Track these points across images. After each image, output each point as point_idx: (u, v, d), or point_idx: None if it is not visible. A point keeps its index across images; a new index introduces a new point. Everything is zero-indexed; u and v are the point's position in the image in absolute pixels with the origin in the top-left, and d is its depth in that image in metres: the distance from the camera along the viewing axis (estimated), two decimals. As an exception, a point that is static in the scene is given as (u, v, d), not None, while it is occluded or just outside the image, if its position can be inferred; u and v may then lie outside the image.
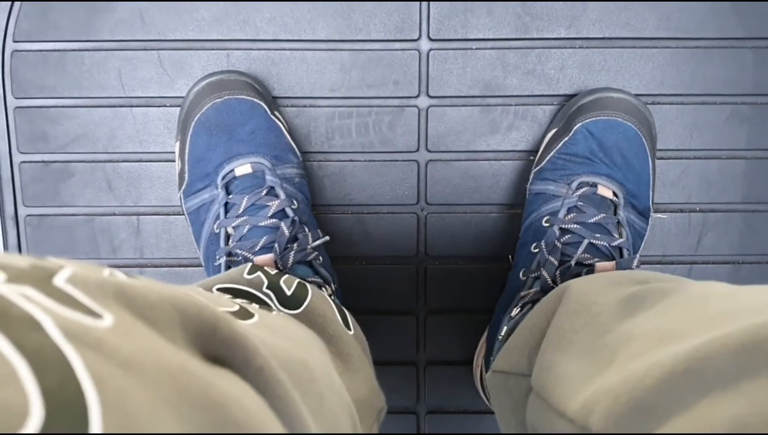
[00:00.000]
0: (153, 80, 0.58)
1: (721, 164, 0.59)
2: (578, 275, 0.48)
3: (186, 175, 0.55)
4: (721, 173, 0.59)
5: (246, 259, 0.49)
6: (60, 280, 0.19)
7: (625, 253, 0.50)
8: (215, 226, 0.51)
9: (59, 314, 0.18)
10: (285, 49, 0.58)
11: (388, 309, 0.63)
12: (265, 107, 0.54)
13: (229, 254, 0.50)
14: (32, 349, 0.16)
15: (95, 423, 0.16)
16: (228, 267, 0.50)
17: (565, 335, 0.38)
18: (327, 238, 0.53)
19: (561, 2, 0.57)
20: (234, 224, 0.50)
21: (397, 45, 0.58)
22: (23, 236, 0.61)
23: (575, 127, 0.53)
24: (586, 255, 0.49)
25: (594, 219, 0.50)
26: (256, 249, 0.49)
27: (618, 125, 0.53)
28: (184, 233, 0.61)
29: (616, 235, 0.51)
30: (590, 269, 0.48)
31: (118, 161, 0.60)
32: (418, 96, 0.58)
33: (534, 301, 0.49)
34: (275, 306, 0.42)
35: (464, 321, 0.63)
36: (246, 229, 0.50)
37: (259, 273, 0.44)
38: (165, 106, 0.59)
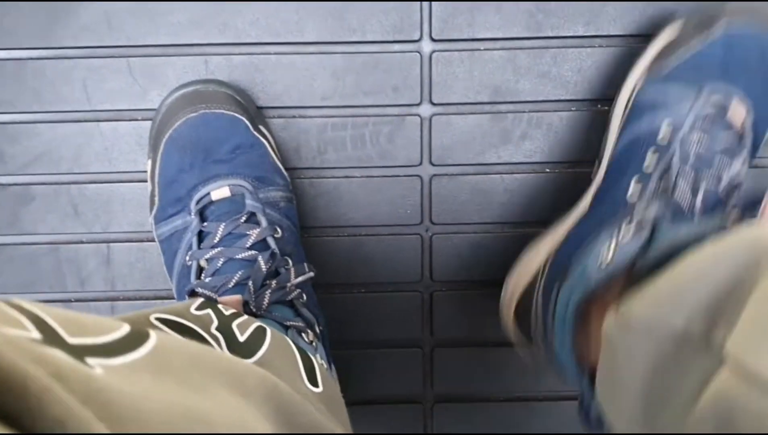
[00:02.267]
0: (122, 91, 0.52)
1: None
2: (728, 197, 0.40)
3: (156, 199, 0.48)
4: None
5: (210, 299, 0.41)
6: None
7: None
8: (187, 258, 0.45)
9: None
10: (270, 54, 0.52)
11: (390, 341, 0.56)
12: (247, 122, 0.48)
13: (192, 293, 0.43)
14: None
15: None
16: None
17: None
18: (312, 274, 0.46)
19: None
20: (207, 256, 0.44)
21: (396, 47, 0.52)
22: (-21, 269, 0.54)
23: (719, 24, 0.45)
24: (727, 184, 0.41)
25: (722, 144, 0.43)
26: (229, 286, 0.42)
27: (760, 37, 0.45)
28: (160, 262, 0.54)
29: (738, 166, 0.43)
30: (731, 192, 0.40)
31: (84, 182, 0.53)
32: (420, 103, 0.52)
33: (654, 224, 0.39)
34: (225, 350, 0.35)
35: (475, 354, 0.56)
36: (220, 263, 0.44)
37: (209, 310, 0.37)
38: (136, 119, 0.52)
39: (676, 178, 0.41)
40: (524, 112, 0.52)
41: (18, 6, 0.51)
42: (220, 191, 0.46)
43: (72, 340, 0.22)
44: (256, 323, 0.38)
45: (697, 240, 0.36)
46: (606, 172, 0.47)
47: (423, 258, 0.55)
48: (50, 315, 0.23)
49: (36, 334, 0.21)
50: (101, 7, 0.51)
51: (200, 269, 0.45)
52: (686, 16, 0.48)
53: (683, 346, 0.32)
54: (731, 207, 0.40)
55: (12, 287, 0.55)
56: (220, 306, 0.38)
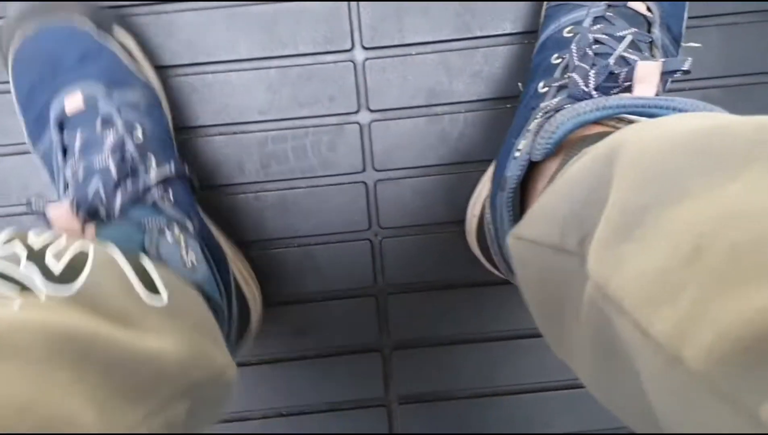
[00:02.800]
0: None
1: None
2: (615, 79, 0.41)
3: (23, 121, 0.48)
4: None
5: (36, 212, 0.39)
6: None
7: None
8: (56, 176, 0.44)
9: None
10: (206, 73, 0.52)
11: (349, 347, 0.57)
12: (90, 30, 0.47)
13: (28, 203, 0.41)
14: None
15: None
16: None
17: (634, 215, 0.28)
18: (183, 167, 0.45)
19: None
20: (69, 172, 0.42)
21: (329, 57, 0.52)
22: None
23: None
24: (617, 66, 0.42)
25: (624, 32, 0.43)
26: (89, 198, 0.40)
27: None
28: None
29: (649, 55, 0.43)
30: (630, 70, 0.40)
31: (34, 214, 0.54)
32: (357, 111, 0.53)
33: (558, 109, 0.41)
34: (39, 286, 0.31)
35: (434, 354, 0.57)
36: (81, 175, 0.42)
37: (16, 241, 0.33)
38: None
39: (575, 67, 0.42)
40: (460, 112, 0.53)
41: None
42: (72, 99, 0.44)
43: None
44: (75, 247, 0.35)
45: (596, 110, 0.37)
46: (524, 86, 0.49)
47: (374, 262, 0.56)
48: None
49: None
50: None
51: (66, 187, 0.43)
52: None
53: (562, 260, 0.33)
54: (623, 82, 0.41)
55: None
56: (31, 235, 0.35)
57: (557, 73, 0.44)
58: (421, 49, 0.52)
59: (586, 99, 0.40)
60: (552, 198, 0.36)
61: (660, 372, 0.24)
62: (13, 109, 0.52)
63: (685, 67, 0.39)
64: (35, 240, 0.33)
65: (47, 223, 0.40)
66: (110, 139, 0.42)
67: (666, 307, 0.24)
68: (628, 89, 0.40)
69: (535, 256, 0.36)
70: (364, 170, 0.54)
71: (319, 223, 0.55)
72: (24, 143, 0.53)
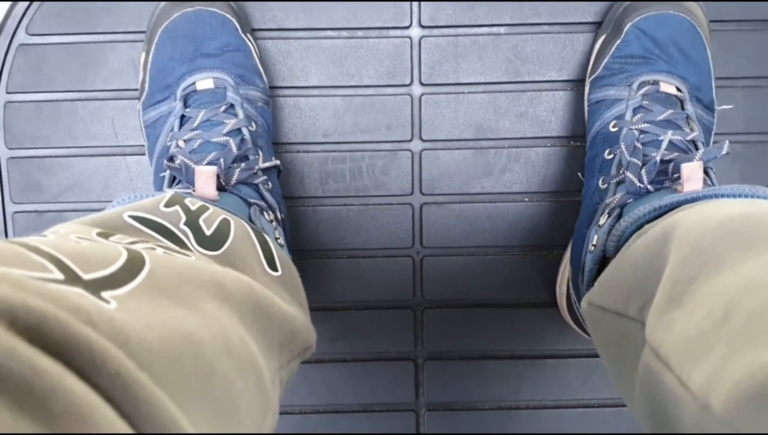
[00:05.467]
0: (147, 129, 0.58)
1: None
2: (664, 171, 0.46)
3: (147, 86, 0.53)
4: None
5: (187, 168, 0.45)
6: None
7: (701, 147, 0.48)
8: (168, 138, 0.49)
9: None
10: (278, 96, 0.58)
11: (385, 355, 0.62)
12: (237, 25, 0.53)
13: (171, 159, 0.46)
14: None
15: None
16: (172, 180, 0.48)
17: (683, 287, 0.34)
18: (278, 162, 0.51)
19: (552, 45, 0.57)
20: (186, 137, 0.48)
21: (390, 90, 0.58)
22: (15, 287, 0.60)
23: (626, 28, 0.52)
24: (666, 151, 0.47)
25: (663, 116, 0.49)
26: (203, 163, 0.46)
27: (669, 18, 0.52)
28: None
29: (688, 130, 0.49)
30: (676, 165, 0.45)
31: (111, 210, 0.60)
32: (411, 140, 0.59)
33: (622, 205, 0.47)
34: (192, 246, 0.37)
35: (464, 367, 0.62)
36: (197, 144, 0.48)
37: (177, 207, 0.38)
38: (158, 154, 0.59)
39: (628, 163, 0.47)
40: (504, 147, 0.58)
41: (54, 52, 0.58)
42: (204, 82, 0.50)
43: (86, 277, 0.25)
44: (222, 216, 0.40)
45: (654, 210, 0.43)
46: (585, 175, 0.54)
47: (414, 278, 0.61)
48: (63, 253, 0.25)
49: (58, 275, 0.24)
50: (129, 55, 0.58)
51: (168, 149, 0.48)
52: (604, 25, 0.56)
53: (625, 324, 0.39)
54: (672, 174, 0.45)
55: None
56: (187, 201, 0.39)
57: (613, 170, 0.49)
58: (473, 88, 0.58)
59: (643, 194, 0.46)
60: (617, 270, 0.42)
61: (696, 418, 0.29)
62: (100, 117, 0.58)
63: (723, 153, 0.45)
64: (191, 206, 0.39)
65: (191, 183, 0.45)
66: (231, 123, 0.48)
67: (701, 364, 0.30)
68: (679, 178, 0.45)
69: (603, 319, 0.43)
70: (412, 193, 0.59)
71: (367, 238, 0.60)
72: (107, 146, 0.59)
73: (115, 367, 0.21)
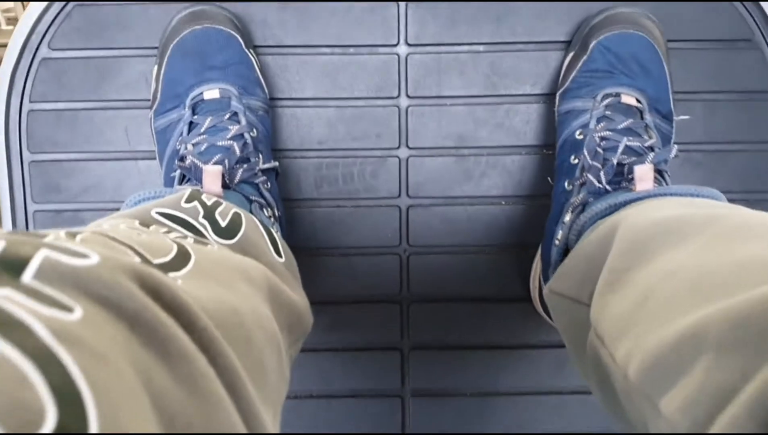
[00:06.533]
0: (157, 136, 0.64)
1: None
2: (620, 173, 0.51)
3: (158, 95, 0.58)
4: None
5: (195, 167, 0.51)
6: (28, 278, 0.21)
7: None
8: (177, 143, 0.54)
9: (41, 313, 0.19)
10: (277, 107, 0.64)
11: (374, 345, 0.67)
12: (241, 41, 0.59)
13: (182, 160, 0.52)
14: (32, 352, 0.17)
15: (92, 416, 0.17)
16: (182, 178, 0.53)
17: (618, 275, 0.40)
18: (276, 163, 0.57)
19: (527, 61, 0.63)
20: (194, 141, 0.53)
21: (379, 102, 0.63)
22: (35, 280, 0.66)
23: (591, 45, 0.58)
24: (624, 156, 0.52)
25: (623, 124, 0.53)
26: (210, 163, 0.51)
27: (630, 37, 0.57)
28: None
29: (646, 137, 0.54)
30: (630, 167, 0.50)
31: (123, 210, 0.65)
32: (398, 147, 0.64)
33: (584, 204, 0.52)
34: (210, 237, 0.42)
35: (446, 356, 0.67)
36: (204, 147, 0.52)
37: (195, 203, 0.44)
38: (167, 159, 0.64)
39: (589, 166, 0.53)
40: (483, 155, 0.64)
41: (73, 66, 0.63)
42: (211, 92, 0.56)
43: (155, 261, 0.30)
44: (234, 210, 0.45)
45: (609, 207, 0.49)
46: (554, 179, 0.60)
47: (401, 275, 0.66)
48: (134, 243, 0.30)
49: (137, 259, 0.29)
50: (138, 68, 0.63)
51: (178, 152, 0.54)
52: (573, 43, 0.62)
53: (578, 309, 0.44)
54: (627, 174, 0.51)
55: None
56: (203, 197, 0.45)
57: (577, 173, 0.54)
58: (454, 101, 0.63)
59: (602, 193, 0.52)
60: (573, 260, 0.48)
61: (621, 386, 0.35)
62: (114, 124, 0.64)
63: (671, 156, 0.51)
64: (207, 202, 0.44)
65: (199, 181, 0.51)
66: (235, 129, 0.54)
67: (624, 340, 0.36)
68: (633, 179, 0.50)
69: (562, 304, 0.49)
70: (399, 196, 0.65)
71: (358, 238, 0.65)
72: (120, 151, 0.64)
73: (203, 324, 0.26)
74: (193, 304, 0.26)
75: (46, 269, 0.21)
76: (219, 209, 0.44)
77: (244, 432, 0.27)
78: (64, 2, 0.62)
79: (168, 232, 0.39)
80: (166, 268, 0.31)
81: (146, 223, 0.39)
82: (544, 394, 0.68)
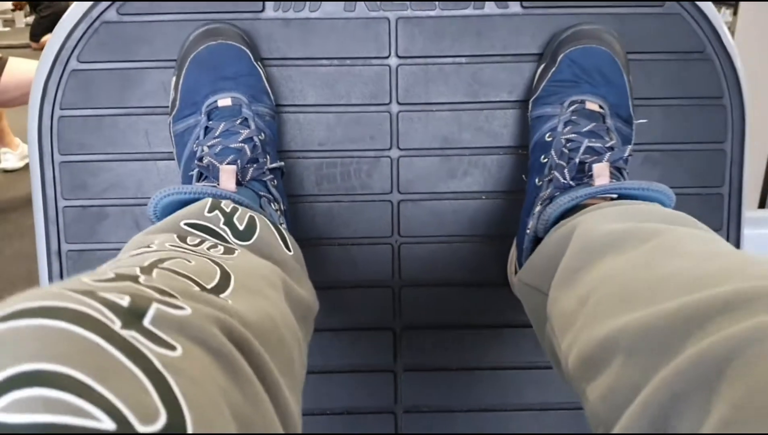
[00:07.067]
0: (174, 139, 0.71)
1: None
2: (582, 170, 0.58)
3: (177, 103, 0.66)
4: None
5: (213, 166, 0.58)
6: (146, 323, 0.28)
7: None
8: (194, 145, 0.62)
9: (155, 350, 0.26)
10: (282, 113, 0.71)
11: (369, 326, 0.75)
12: (250, 55, 0.66)
13: (200, 160, 0.59)
14: (151, 375, 0.25)
15: (189, 421, 0.24)
16: (199, 175, 0.60)
17: (569, 274, 0.47)
18: (282, 163, 0.64)
19: (504, 72, 0.71)
20: (209, 144, 0.60)
21: (372, 108, 0.71)
22: (65, 268, 0.73)
23: (559, 58, 0.65)
24: (587, 156, 0.58)
25: (587, 128, 0.60)
26: (225, 163, 0.58)
27: (594, 50, 0.65)
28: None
29: (608, 139, 0.60)
30: (590, 165, 0.58)
31: (144, 205, 0.72)
32: (390, 148, 0.72)
33: (551, 198, 0.59)
34: (231, 240, 0.49)
35: (435, 336, 0.75)
36: (218, 149, 0.59)
37: (216, 212, 0.50)
38: (184, 159, 0.72)
39: (556, 164, 0.60)
40: (466, 155, 0.72)
41: (99, 76, 0.71)
42: (224, 100, 0.63)
43: (208, 286, 0.37)
44: (249, 214, 0.52)
45: (571, 199, 0.56)
46: (528, 176, 0.68)
47: (393, 262, 0.74)
48: (190, 272, 0.37)
49: (197, 288, 0.36)
50: (158, 78, 0.71)
51: (203, 153, 0.60)
52: (544, 56, 0.69)
53: (541, 298, 0.52)
54: (588, 172, 0.58)
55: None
56: (222, 205, 0.51)
57: (546, 171, 0.62)
58: (440, 107, 0.71)
59: (566, 188, 0.59)
60: (538, 255, 0.56)
61: (564, 374, 0.44)
62: (136, 129, 0.71)
63: (625, 156, 0.58)
64: (226, 208, 0.52)
65: (216, 179, 0.58)
66: (245, 133, 0.61)
67: (567, 334, 0.45)
68: (592, 175, 0.58)
69: (529, 293, 0.57)
70: (391, 192, 0.73)
71: (355, 229, 0.73)
72: (141, 153, 0.72)
73: (256, 350, 0.34)
74: (250, 336, 0.34)
75: (157, 318, 0.28)
76: (236, 215, 0.51)
77: (282, 432, 0.34)
78: (91, 20, 0.69)
79: (200, 241, 0.46)
80: (216, 290, 0.37)
81: (182, 235, 0.47)
82: (523, 369, 0.75)
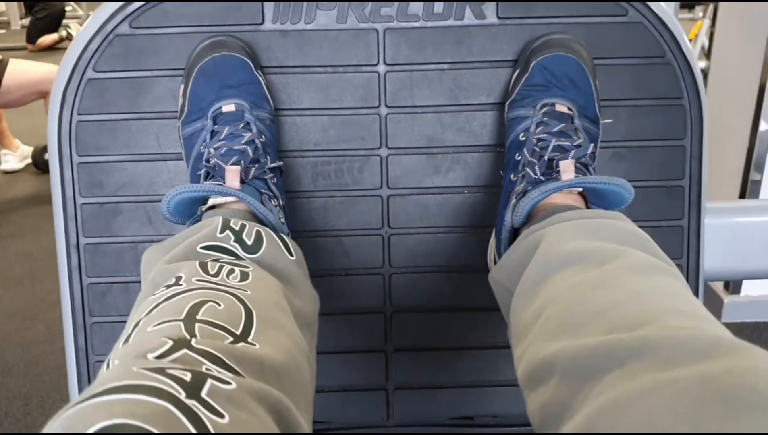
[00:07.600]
0: (182, 141, 0.78)
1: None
2: (551, 166, 0.64)
3: (185, 108, 0.71)
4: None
5: (219, 167, 0.64)
6: (204, 395, 0.35)
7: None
8: (201, 147, 0.67)
9: (209, 416, 0.34)
10: (280, 116, 0.78)
11: (362, 309, 0.82)
12: (251, 64, 0.73)
13: (207, 160, 0.65)
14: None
15: None
16: (207, 174, 0.65)
17: (530, 285, 0.53)
18: (281, 163, 0.71)
19: (482, 77, 0.78)
20: (215, 146, 0.66)
21: (363, 111, 0.78)
22: (83, 260, 0.80)
23: (532, 65, 0.72)
24: (555, 153, 0.64)
25: (557, 128, 0.66)
26: (229, 164, 0.64)
27: (562, 58, 0.71)
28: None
29: (576, 138, 0.66)
30: (557, 162, 0.63)
31: (155, 202, 0.79)
32: (380, 148, 0.79)
33: (524, 192, 0.64)
34: (241, 254, 0.56)
35: (422, 317, 0.82)
36: (223, 150, 0.65)
37: (227, 231, 0.57)
38: (191, 159, 0.78)
39: (528, 162, 0.67)
40: (449, 153, 0.79)
41: (114, 84, 0.78)
42: (228, 106, 0.69)
43: (237, 332, 0.44)
44: (256, 228, 0.58)
45: (541, 193, 0.62)
46: (504, 172, 0.74)
47: (384, 251, 0.81)
48: (221, 320, 0.44)
49: (230, 338, 0.43)
50: (167, 86, 0.78)
51: (203, 155, 0.66)
52: (518, 63, 0.76)
53: (509, 297, 0.59)
54: (555, 168, 0.65)
55: (104, 272, 0.81)
56: (231, 223, 0.57)
57: (520, 167, 0.68)
58: (424, 109, 0.78)
59: (537, 183, 0.65)
60: (508, 258, 0.63)
61: (517, 375, 0.50)
62: (147, 132, 0.78)
63: (588, 153, 0.65)
64: (235, 226, 0.58)
65: (222, 178, 0.64)
66: (247, 136, 0.67)
67: (520, 344, 0.52)
68: (559, 171, 0.64)
69: (500, 290, 0.64)
70: (381, 188, 0.79)
71: (348, 222, 0.80)
72: (152, 154, 0.79)
73: (285, 405, 0.41)
74: (280, 395, 0.41)
75: (212, 391, 0.36)
76: (245, 231, 0.58)
77: None
78: (106, 33, 0.76)
79: (219, 268, 0.52)
80: (244, 335, 0.44)
81: (202, 263, 0.53)
82: (502, 348, 0.82)
